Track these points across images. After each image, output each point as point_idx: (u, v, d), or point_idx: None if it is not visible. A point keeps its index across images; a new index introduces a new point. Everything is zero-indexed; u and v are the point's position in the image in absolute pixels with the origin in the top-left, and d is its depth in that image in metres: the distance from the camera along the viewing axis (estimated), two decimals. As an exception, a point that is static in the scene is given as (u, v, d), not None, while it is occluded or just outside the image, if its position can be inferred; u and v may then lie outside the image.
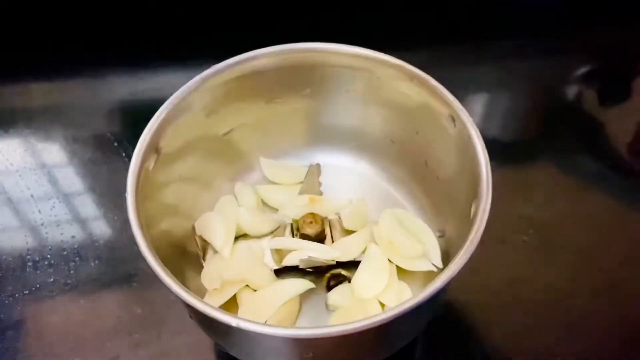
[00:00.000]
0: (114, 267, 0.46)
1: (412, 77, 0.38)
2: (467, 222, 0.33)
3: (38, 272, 0.45)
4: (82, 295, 0.44)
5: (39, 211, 0.49)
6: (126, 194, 0.32)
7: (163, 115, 0.36)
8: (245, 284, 0.38)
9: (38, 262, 0.46)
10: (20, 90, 0.58)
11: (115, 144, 0.53)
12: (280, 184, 0.45)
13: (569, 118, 0.57)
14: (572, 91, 0.60)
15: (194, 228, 0.41)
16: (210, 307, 0.28)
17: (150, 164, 0.35)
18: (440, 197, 0.41)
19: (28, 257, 0.46)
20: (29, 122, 0.56)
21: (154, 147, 0.35)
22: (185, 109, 0.37)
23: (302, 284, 0.38)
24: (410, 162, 0.43)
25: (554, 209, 0.49)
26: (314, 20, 0.62)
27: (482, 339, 0.42)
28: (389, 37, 0.48)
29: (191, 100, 0.37)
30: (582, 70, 0.62)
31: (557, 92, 0.60)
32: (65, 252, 0.46)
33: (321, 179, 0.43)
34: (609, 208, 0.50)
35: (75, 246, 0.47)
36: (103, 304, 0.44)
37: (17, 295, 0.44)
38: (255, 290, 0.38)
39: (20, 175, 0.52)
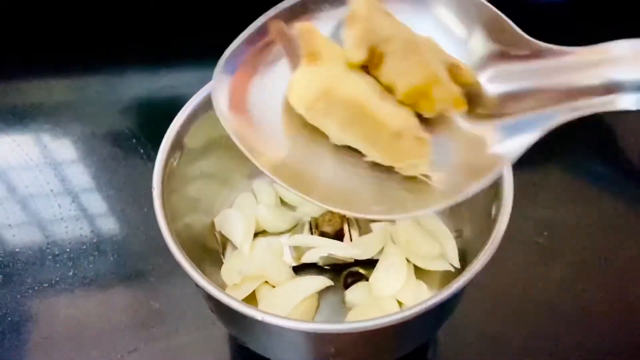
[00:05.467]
0: (132, 262, 0.46)
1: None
2: (485, 223, 0.33)
3: (57, 265, 0.46)
4: (101, 289, 0.45)
5: (59, 206, 0.50)
6: (152, 188, 0.33)
7: (188, 111, 0.36)
8: (264, 280, 0.39)
9: (57, 255, 0.46)
10: (39, 86, 0.59)
11: (134, 140, 0.54)
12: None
13: (583, 122, 0.57)
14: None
15: (213, 224, 0.41)
16: (235, 300, 0.29)
17: (175, 159, 0.35)
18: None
19: (47, 250, 0.47)
20: (48, 118, 0.56)
21: (179, 143, 0.36)
22: (209, 105, 0.37)
23: (321, 281, 0.39)
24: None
25: (567, 212, 0.49)
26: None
27: (494, 340, 0.42)
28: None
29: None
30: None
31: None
32: (84, 247, 0.47)
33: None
34: (622, 213, 0.50)
35: (95, 241, 0.47)
36: (121, 298, 0.44)
37: (36, 288, 0.45)
38: (274, 287, 0.39)
39: (40, 170, 0.52)
